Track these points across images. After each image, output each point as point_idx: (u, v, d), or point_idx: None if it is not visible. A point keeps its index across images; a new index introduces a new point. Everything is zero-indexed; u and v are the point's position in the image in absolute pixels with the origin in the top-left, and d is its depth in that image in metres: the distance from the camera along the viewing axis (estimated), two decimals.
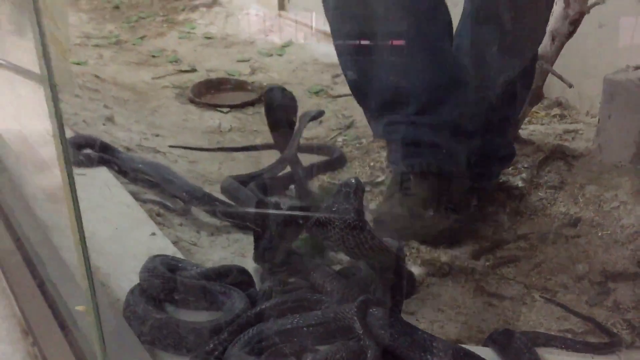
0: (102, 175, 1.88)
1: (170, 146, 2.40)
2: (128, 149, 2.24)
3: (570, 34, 2.13)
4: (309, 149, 2.52)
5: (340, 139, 2.81)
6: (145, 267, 1.29)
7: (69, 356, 1.07)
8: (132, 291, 1.25)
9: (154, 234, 1.54)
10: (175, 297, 1.26)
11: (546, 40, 2.17)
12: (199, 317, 1.24)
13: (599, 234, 1.95)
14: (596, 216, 2.01)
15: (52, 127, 0.81)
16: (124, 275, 1.35)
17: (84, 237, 0.87)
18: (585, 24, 2.21)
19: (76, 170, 1.57)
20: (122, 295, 1.28)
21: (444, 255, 1.93)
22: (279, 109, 1.97)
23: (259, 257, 1.44)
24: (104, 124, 2.45)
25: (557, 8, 2.12)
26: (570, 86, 2.17)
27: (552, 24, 2.14)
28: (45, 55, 0.72)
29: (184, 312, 1.26)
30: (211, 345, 1.09)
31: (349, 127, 2.99)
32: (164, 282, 1.24)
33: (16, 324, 1.23)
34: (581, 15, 2.11)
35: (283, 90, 2.02)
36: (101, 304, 1.16)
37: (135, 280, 1.29)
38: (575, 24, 2.11)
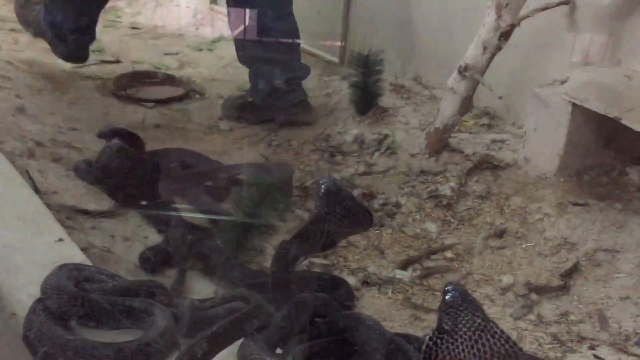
0: (6, 171, 1.72)
1: None
2: (39, 144, 2.08)
3: (501, 45, 2.14)
4: None
5: (274, 139, 2.74)
6: (49, 279, 1.17)
7: None
8: (33, 308, 1.13)
9: (61, 239, 1.41)
10: (85, 314, 1.14)
11: (477, 51, 2.17)
12: (115, 337, 1.13)
13: (523, 246, 1.97)
14: (521, 227, 2.03)
15: None
16: (23, 287, 1.22)
17: None
18: (516, 36, 2.23)
19: None
20: (20, 310, 1.15)
21: (371, 265, 1.90)
22: None
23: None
24: (13, 115, 2.27)
25: (489, 19, 2.13)
26: (500, 98, 2.18)
27: (483, 34, 2.15)
28: None
29: (95, 333, 1.14)
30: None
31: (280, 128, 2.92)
32: (69, 298, 1.13)
33: None
34: (512, 27, 2.12)
35: None
36: None
37: (37, 294, 1.17)
38: (505, 35, 2.12)
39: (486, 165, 2.29)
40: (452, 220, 2.12)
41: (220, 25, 4.34)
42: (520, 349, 0.84)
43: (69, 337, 1.06)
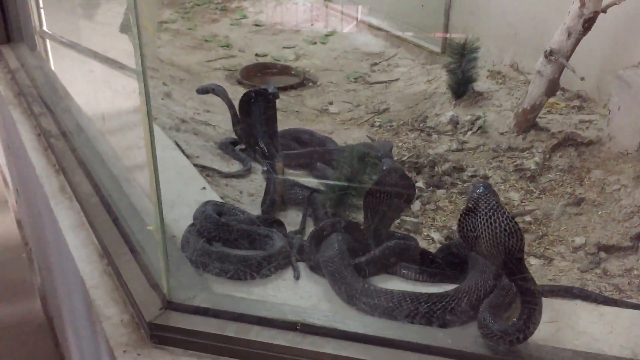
0: (162, 140, 2.18)
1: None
2: (183, 121, 2.55)
3: (585, 31, 2.32)
4: None
5: (377, 120, 3.08)
6: (198, 210, 1.57)
7: (137, 271, 1.37)
8: (187, 230, 1.53)
9: (204, 188, 1.83)
10: (223, 236, 1.53)
11: (562, 36, 2.37)
12: (244, 253, 1.50)
13: (599, 213, 2.16)
14: (598, 197, 2.22)
15: (141, 100, 1.08)
16: (180, 218, 1.64)
17: (157, 166, 1.16)
18: (605, 22, 2.39)
19: None
20: (178, 233, 1.57)
21: (456, 225, 2.18)
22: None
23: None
24: (162, 99, 2.76)
25: (574, 7, 2.32)
26: (582, 79, 2.36)
27: (568, 21, 2.34)
28: (140, 43, 0.99)
29: (230, 250, 1.52)
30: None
31: (382, 112, 3.24)
32: (212, 223, 1.52)
33: (94, 250, 1.54)
34: (595, 14, 2.29)
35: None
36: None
37: (190, 222, 1.58)
38: (589, 22, 2.30)
39: (571, 142, 2.48)
40: (534, 191, 2.33)
41: (334, 20, 4.74)
42: (520, 230, 1.08)
43: (212, 249, 1.46)
